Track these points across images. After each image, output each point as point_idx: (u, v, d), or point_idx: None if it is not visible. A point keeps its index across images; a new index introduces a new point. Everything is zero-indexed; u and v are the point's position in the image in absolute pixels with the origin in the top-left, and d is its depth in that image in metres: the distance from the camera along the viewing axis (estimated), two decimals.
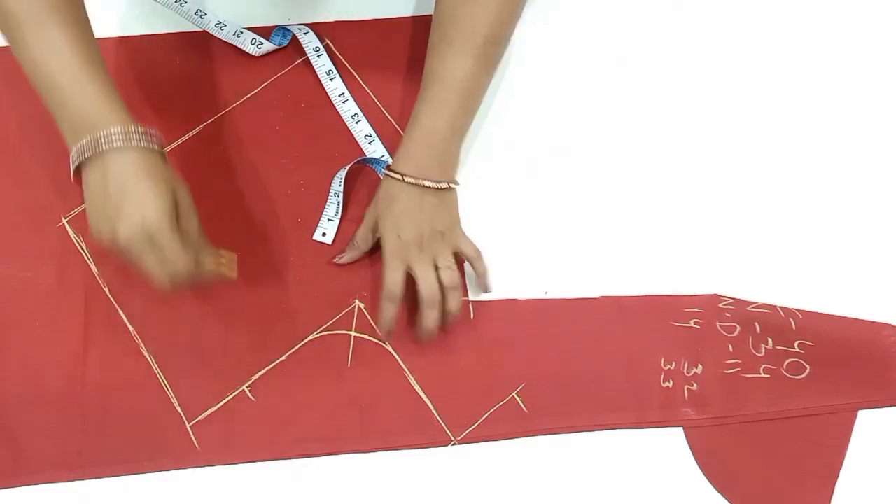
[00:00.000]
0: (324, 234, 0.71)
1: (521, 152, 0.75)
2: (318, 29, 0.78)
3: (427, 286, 0.66)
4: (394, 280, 0.66)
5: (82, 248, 0.71)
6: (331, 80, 0.75)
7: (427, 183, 0.65)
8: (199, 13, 0.77)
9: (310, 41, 0.76)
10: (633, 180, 0.74)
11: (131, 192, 0.57)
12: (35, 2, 0.58)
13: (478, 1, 0.65)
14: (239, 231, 0.71)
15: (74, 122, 0.58)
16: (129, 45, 0.77)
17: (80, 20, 0.60)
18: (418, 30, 0.78)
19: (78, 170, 0.60)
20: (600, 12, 0.80)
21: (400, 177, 0.66)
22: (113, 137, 0.57)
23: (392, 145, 0.74)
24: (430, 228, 0.66)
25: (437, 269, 0.67)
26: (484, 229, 0.72)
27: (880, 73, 0.78)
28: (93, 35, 0.61)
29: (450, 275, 0.67)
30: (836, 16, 0.80)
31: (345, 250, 0.70)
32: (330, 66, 0.76)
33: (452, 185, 0.67)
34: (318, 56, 0.76)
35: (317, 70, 0.75)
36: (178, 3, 0.77)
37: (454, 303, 0.67)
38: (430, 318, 0.66)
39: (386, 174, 0.67)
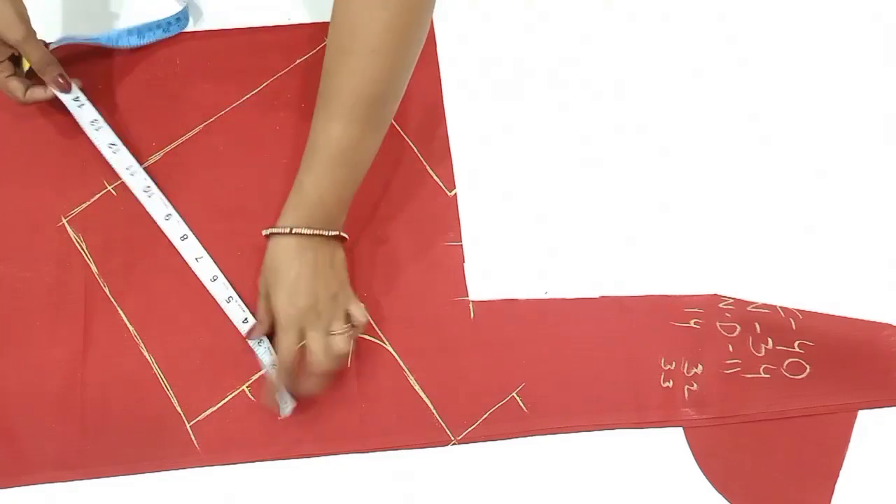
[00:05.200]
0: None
1: (521, 152, 0.75)
2: (319, 29, 0.78)
3: (319, 356, 0.63)
4: (290, 350, 0.63)
5: (82, 248, 0.71)
6: (79, 107, 0.72)
7: (325, 233, 0.63)
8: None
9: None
10: (633, 180, 0.74)
11: None
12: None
13: (352, 54, 0.60)
14: (239, 231, 0.71)
15: None
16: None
17: None
18: None
19: None
20: (601, 12, 0.80)
21: (287, 229, 0.62)
22: None
23: (395, 146, 0.74)
24: (325, 293, 0.63)
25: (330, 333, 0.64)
26: (484, 229, 0.72)
27: (880, 74, 0.78)
28: None
29: (344, 342, 0.63)
30: (837, 16, 0.80)
31: (254, 328, 0.67)
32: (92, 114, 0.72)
33: (343, 235, 0.65)
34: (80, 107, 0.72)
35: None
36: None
37: (338, 368, 0.65)
38: (315, 384, 0.64)
39: (272, 234, 0.64)
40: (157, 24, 0.75)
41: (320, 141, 0.63)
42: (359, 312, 0.65)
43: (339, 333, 0.64)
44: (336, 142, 0.62)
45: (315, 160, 0.63)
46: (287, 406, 0.66)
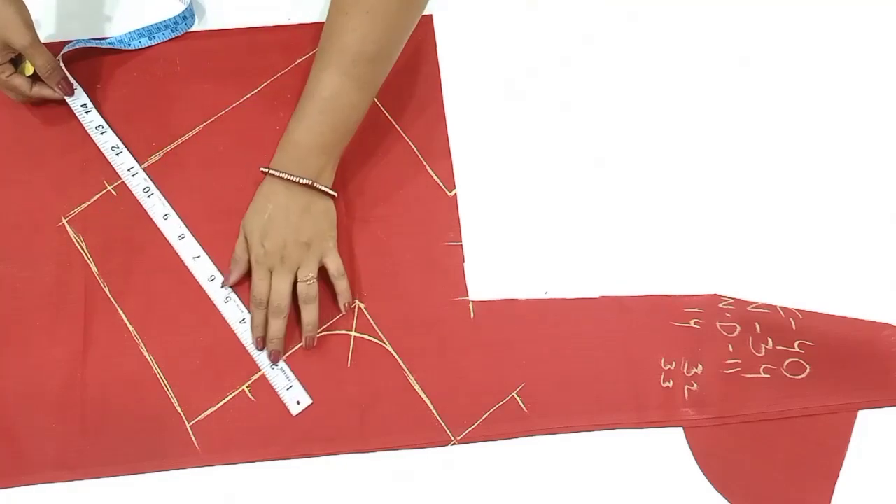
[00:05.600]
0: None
1: (521, 152, 0.75)
2: (319, 29, 0.77)
3: (274, 296, 0.67)
4: (259, 288, 0.67)
5: (82, 248, 0.71)
6: (86, 112, 0.74)
7: (292, 177, 0.65)
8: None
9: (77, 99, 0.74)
10: (633, 181, 0.74)
11: None
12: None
13: (348, 13, 0.63)
14: (238, 231, 0.71)
15: None
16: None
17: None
18: (422, 28, 0.78)
19: None
20: (603, 13, 0.80)
21: (266, 169, 0.66)
22: None
23: (395, 146, 0.74)
24: (294, 238, 0.66)
25: (297, 280, 0.67)
26: (484, 229, 0.72)
27: (879, 74, 0.78)
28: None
29: (305, 288, 0.67)
30: (837, 17, 0.80)
31: (230, 269, 0.69)
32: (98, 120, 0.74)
33: (319, 186, 0.66)
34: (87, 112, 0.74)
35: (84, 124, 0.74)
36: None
37: (307, 316, 0.67)
38: (273, 327, 0.67)
39: (262, 172, 0.67)
40: (166, 25, 0.76)
41: (308, 89, 0.66)
42: (334, 265, 0.68)
43: (301, 281, 0.67)
44: (320, 89, 0.65)
45: (300, 105, 0.66)
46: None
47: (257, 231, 0.67)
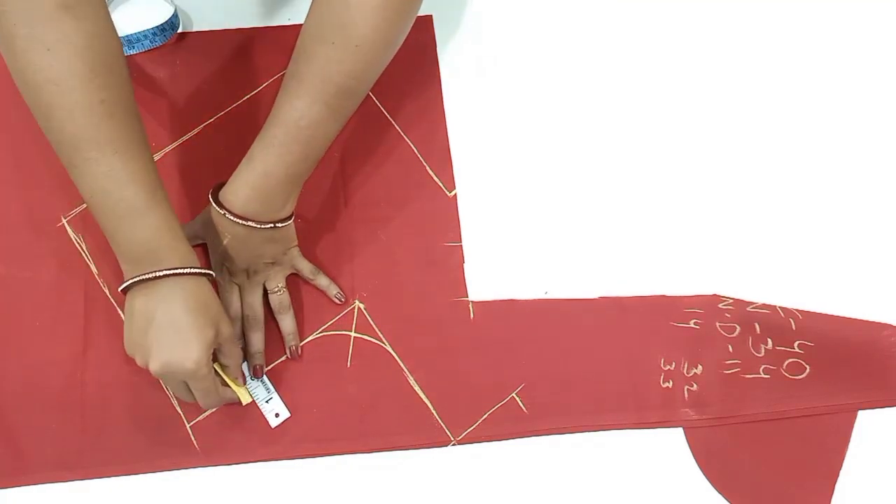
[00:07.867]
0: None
1: (521, 152, 0.75)
2: None
3: (248, 309, 0.67)
4: (228, 302, 0.67)
5: (82, 248, 0.71)
6: None
7: (251, 224, 0.64)
8: None
9: None
10: (633, 180, 0.74)
11: (175, 331, 0.58)
12: (95, 125, 0.57)
13: (335, 45, 0.59)
14: None
15: (134, 253, 0.59)
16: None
17: (139, 143, 0.59)
18: (422, 28, 0.78)
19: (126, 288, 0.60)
20: (601, 11, 0.80)
21: (223, 212, 0.64)
22: (170, 271, 0.58)
23: (395, 147, 0.74)
24: (258, 261, 0.67)
25: (267, 291, 0.68)
26: (484, 229, 0.72)
27: (879, 73, 0.78)
28: (152, 161, 0.60)
29: (276, 299, 0.68)
30: (837, 16, 0.80)
31: None
32: None
33: (279, 226, 0.65)
34: None
35: None
36: None
37: (285, 326, 0.68)
38: (252, 340, 0.67)
39: (211, 205, 0.65)
40: (144, 35, 0.75)
41: (280, 117, 0.62)
42: (306, 268, 0.68)
43: (272, 293, 0.68)
44: (296, 119, 0.61)
45: (270, 133, 0.63)
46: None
47: (217, 255, 0.66)
